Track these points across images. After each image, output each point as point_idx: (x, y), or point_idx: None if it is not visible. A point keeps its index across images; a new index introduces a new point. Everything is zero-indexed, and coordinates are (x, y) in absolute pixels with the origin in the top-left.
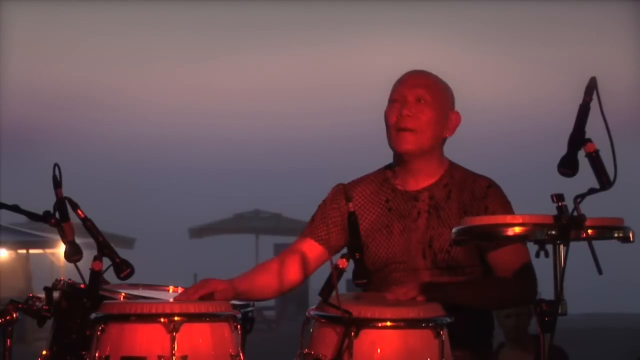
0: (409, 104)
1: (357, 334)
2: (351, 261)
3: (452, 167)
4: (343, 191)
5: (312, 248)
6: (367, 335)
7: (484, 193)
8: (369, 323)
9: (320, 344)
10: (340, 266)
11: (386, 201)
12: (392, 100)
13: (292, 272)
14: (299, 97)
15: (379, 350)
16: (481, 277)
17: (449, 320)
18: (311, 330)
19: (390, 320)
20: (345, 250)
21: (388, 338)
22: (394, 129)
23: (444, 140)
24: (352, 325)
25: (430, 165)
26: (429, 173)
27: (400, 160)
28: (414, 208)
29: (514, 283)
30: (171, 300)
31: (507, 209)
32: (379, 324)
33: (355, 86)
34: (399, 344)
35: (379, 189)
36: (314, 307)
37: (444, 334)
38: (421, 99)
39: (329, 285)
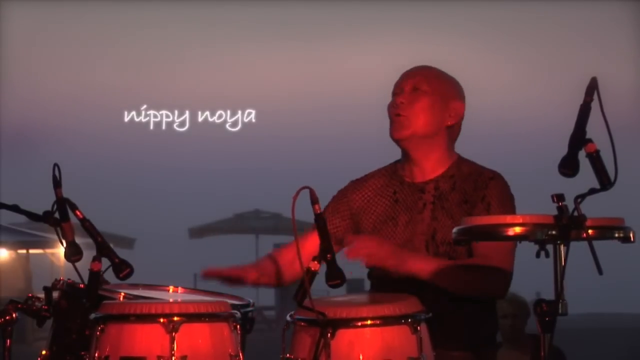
0: (404, 93)
1: (333, 335)
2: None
3: (461, 160)
4: (352, 190)
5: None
6: (344, 335)
7: (485, 184)
8: (344, 323)
9: (299, 348)
10: (312, 269)
11: (394, 193)
12: (392, 95)
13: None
14: (299, 97)
15: (357, 350)
16: (458, 262)
17: (426, 316)
18: (291, 334)
19: (366, 319)
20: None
21: (365, 336)
22: (390, 119)
23: (448, 129)
24: (327, 326)
25: (434, 154)
26: (435, 164)
27: (402, 151)
28: (419, 200)
29: (486, 273)
30: (171, 289)
31: (504, 203)
32: (356, 323)
33: (355, 86)
34: (376, 341)
35: (388, 181)
36: (292, 312)
37: (421, 329)
38: (417, 87)
39: (303, 289)
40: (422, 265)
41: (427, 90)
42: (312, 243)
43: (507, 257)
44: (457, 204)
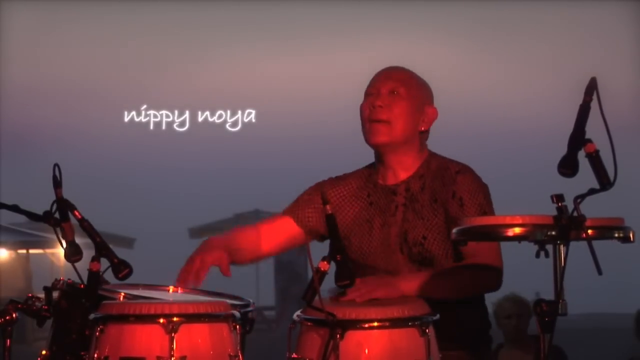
0: (382, 96)
1: (342, 336)
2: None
3: (431, 157)
4: (329, 186)
5: (289, 227)
6: (353, 337)
7: (452, 179)
8: (353, 324)
9: (307, 348)
10: (322, 269)
11: (368, 196)
12: (366, 95)
13: (266, 244)
14: (300, 97)
15: (365, 351)
16: (446, 268)
17: (434, 318)
18: (298, 334)
19: (375, 321)
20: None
21: (374, 338)
22: (367, 121)
23: (421, 133)
24: (336, 327)
25: (407, 159)
26: (407, 166)
27: (377, 154)
28: (392, 202)
29: (475, 272)
30: (171, 289)
31: (475, 194)
32: (364, 325)
33: (354, 86)
34: (385, 343)
35: (364, 184)
36: (299, 311)
37: (430, 332)
38: (395, 91)
39: (312, 289)
40: (410, 284)
41: (404, 95)
42: (272, 227)
43: (493, 251)
44: (427, 204)
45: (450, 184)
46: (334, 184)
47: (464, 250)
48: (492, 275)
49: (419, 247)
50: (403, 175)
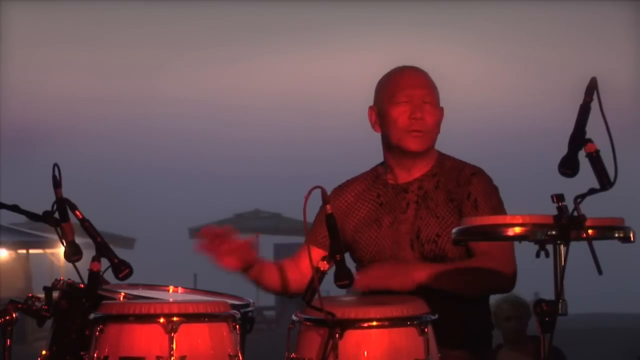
0: (416, 107)
1: (341, 335)
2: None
3: (442, 157)
4: (334, 198)
5: (315, 254)
6: (352, 336)
7: (468, 180)
8: (353, 323)
9: (306, 347)
10: (322, 268)
11: (377, 196)
12: (397, 102)
13: (292, 274)
14: (298, 99)
15: (364, 351)
16: (459, 263)
17: (433, 317)
18: (297, 334)
19: (374, 320)
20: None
21: (373, 337)
22: (405, 131)
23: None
24: (336, 327)
25: (424, 159)
26: (421, 166)
27: (401, 157)
28: (403, 200)
29: (489, 270)
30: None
31: (489, 196)
32: (363, 324)
33: (353, 89)
34: (384, 343)
35: (370, 185)
36: (298, 311)
37: (428, 331)
38: (426, 101)
39: (312, 288)
40: (427, 274)
41: (434, 103)
42: (296, 258)
43: (508, 251)
44: (443, 203)
45: (466, 185)
46: (338, 194)
47: (479, 249)
48: (504, 277)
49: (432, 244)
50: (416, 173)
